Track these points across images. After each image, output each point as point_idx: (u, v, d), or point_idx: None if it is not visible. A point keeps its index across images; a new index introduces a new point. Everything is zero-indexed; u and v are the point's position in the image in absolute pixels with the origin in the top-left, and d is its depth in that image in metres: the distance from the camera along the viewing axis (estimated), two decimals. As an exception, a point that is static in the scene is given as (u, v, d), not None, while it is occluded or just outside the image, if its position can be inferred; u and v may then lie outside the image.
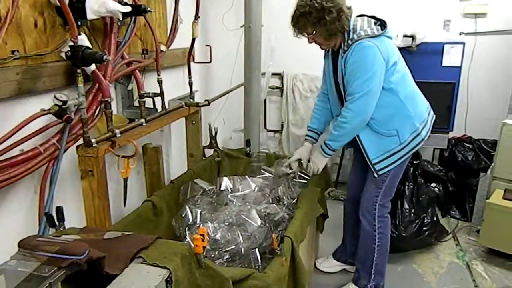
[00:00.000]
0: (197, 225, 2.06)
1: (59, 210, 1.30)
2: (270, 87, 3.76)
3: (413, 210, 2.80)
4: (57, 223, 1.30)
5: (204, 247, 1.23)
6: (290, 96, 3.82)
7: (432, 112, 2.24)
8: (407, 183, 2.84)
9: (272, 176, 2.57)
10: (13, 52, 1.50)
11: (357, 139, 2.12)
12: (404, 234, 2.75)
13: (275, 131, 4.02)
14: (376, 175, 2.13)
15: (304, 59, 3.68)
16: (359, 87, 1.96)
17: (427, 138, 2.16)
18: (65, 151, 1.64)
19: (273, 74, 3.68)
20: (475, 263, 2.78)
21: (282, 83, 3.82)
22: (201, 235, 1.22)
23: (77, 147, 1.71)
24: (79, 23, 1.68)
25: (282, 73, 3.78)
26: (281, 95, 3.87)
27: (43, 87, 1.63)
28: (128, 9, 1.73)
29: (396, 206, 2.80)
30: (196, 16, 2.41)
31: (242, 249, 1.94)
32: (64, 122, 1.57)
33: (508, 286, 2.54)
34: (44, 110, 1.49)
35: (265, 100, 3.85)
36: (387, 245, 2.34)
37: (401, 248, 2.78)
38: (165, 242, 1.24)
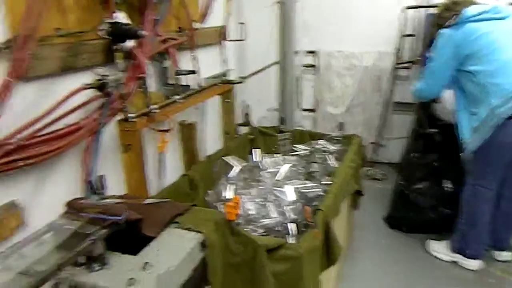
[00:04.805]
0: (231, 200, 2.11)
1: (101, 178, 1.37)
2: (304, 65, 3.71)
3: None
4: (98, 190, 1.37)
5: (236, 215, 1.26)
6: (325, 74, 3.76)
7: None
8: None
9: (307, 153, 2.58)
10: (56, 29, 1.57)
11: None
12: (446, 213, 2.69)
13: (310, 110, 3.99)
14: None
15: (340, 36, 3.61)
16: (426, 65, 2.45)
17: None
18: (105, 125, 1.71)
19: (308, 51, 3.63)
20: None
21: (317, 61, 3.76)
22: (235, 202, 1.25)
23: (118, 121, 1.77)
24: (117, 1, 1.73)
25: (317, 51, 3.72)
26: (316, 73, 3.81)
27: (84, 64, 1.69)
28: (162, -15, 1.76)
29: (439, 185, 2.73)
30: (230, -7, 2.41)
31: (276, 224, 1.96)
32: (104, 97, 1.63)
33: None
34: (86, 85, 1.55)
35: (300, 79, 3.81)
36: (473, 216, 2.40)
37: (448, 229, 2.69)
38: (199, 210, 1.29)
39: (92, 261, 0.99)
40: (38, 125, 1.42)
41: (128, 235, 1.12)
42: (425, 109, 2.72)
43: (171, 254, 1.06)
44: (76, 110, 1.61)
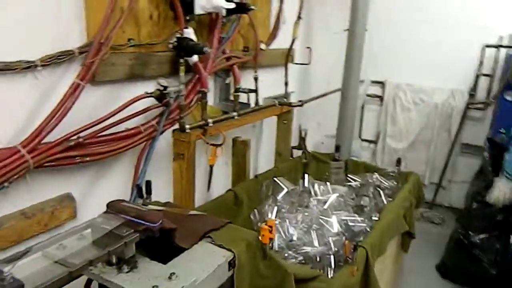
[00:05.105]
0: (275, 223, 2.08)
1: (148, 184, 1.43)
2: (369, 95, 3.63)
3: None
4: (144, 195, 1.42)
5: (270, 239, 1.24)
6: (390, 106, 3.64)
7: None
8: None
9: (359, 185, 2.49)
10: (129, 40, 1.69)
11: None
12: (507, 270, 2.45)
13: (370, 141, 3.87)
14: None
15: (410, 69, 3.49)
16: None
17: None
18: (162, 133, 1.79)
19: (374, 82, 3.54)
20: None
21: (384, 91, 3.65)
22: (270, 226, 1.23)
23: (173, 131, 1.85)
24: (188, 18, 1.82)
25: (384, 82, 3.62)
26: (381, 105, 3.70)
27: (151, 73, 1.80)
28: (231, 5, 1.82)
29: (502, 239, 2.50)
30: (298, 17, 2.44)
31: (317, 254, 1.91)
32: (163, 106, 1.71)
33: None
34: (147, 93, 1.64)
35: (362, 108, 3.73)
36: None
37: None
38: (234, 228, 1.29)
39: (123, 262, 1.02)
40: (99, 126, 1.53)
41: (163, 243, 1.15)
42: (496, 155, 2.52)
43: (199, 268, 1.07)
44: (137, 116, 1.71)
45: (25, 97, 1.38)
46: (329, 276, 1.70)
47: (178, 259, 1.10)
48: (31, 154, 1.34)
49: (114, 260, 1.03)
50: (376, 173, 2.49)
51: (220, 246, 1.18)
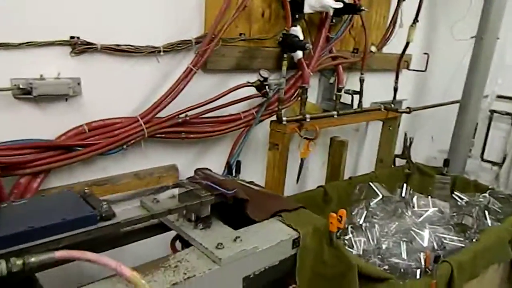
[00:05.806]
0: (363, 228, 2.06)
1: (238, 163, 1.57)
2: (495, 111, 3.27)
3: None
4: (233, 173, 1.57)
5: (339, 228, 1.26)
6: (523, 126, 3.22)
7: None
8: None
9: (464, 203, 2.29)
10: (240, 34, 1.86)
11: None
12: None
13: (493, 163, 3.47)
14: None
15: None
16: None
17: None
18: (259, 122, 1.93)
19: (504, 97, 3.18)
20: None
21: (515, 109, 3.25)
22: (340, 216, 1.26)
23: (271, 121, 1.97)
24: (297, 16, 1.93)
25: (519, 98, 3.22)
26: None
27: (257, 66, 1.95)
28: (339, 5, 1.87)
29: None
30: (415, 20, 2.35)
31: (405, 267, 1.84)
32: (262, 96, 1.84)
33: None
34: (248, 82, 1.80)
35: (489, 126, 3.37)
36: None
37: None
38: (306, 212, 1.34)
39: (200, 221, 1.17)
40: (204, 108, 1.73)
41: (238, 213, 1.27)
42: None
43: (263, 239, 1.15)
44: (238, 103, 1.88)
45: (147, 77, 1.64)
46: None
47: (247, 228, 1.21)
48: (146, 125, 1.59)
49: (193, 218, 1.18)
50: (487, 194, 2.26)
51: (288, 225, 1.25)
